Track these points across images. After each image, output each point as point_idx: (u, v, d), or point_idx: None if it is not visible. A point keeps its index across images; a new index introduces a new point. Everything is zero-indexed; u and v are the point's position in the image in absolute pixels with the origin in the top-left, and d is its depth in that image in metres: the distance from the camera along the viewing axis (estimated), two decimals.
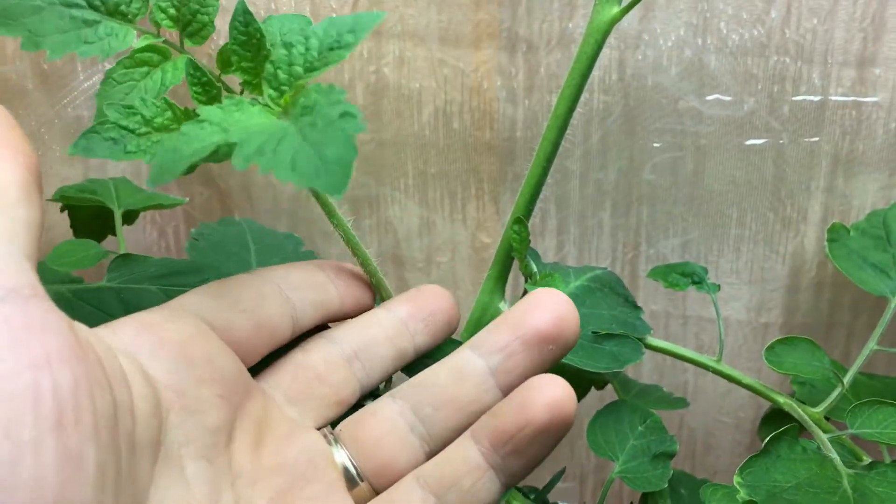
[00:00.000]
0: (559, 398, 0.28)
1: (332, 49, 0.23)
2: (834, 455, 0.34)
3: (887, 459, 0.39)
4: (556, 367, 0.46)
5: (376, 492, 0.30)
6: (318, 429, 0.30)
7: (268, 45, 0.24)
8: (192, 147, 0.21)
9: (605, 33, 0.38)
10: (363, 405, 0.31)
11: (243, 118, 0.22)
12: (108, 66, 0.47)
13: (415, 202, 0.51)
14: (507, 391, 0.30)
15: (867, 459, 0.38)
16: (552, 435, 0.28)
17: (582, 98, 0.38)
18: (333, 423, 0.31)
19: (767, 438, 0.34)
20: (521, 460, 0.28)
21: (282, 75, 0.23)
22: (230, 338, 0.27)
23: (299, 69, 0.23)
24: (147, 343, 0.25)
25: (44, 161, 0.50)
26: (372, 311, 0.33)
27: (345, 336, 0.32)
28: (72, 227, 0.44)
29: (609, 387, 0.47)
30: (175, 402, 0.25)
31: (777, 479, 0.32)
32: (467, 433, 0.29)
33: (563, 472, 0.46)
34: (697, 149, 0.48)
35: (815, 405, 0.40)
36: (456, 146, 0.49)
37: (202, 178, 0.52)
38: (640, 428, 0.38)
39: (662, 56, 0.46)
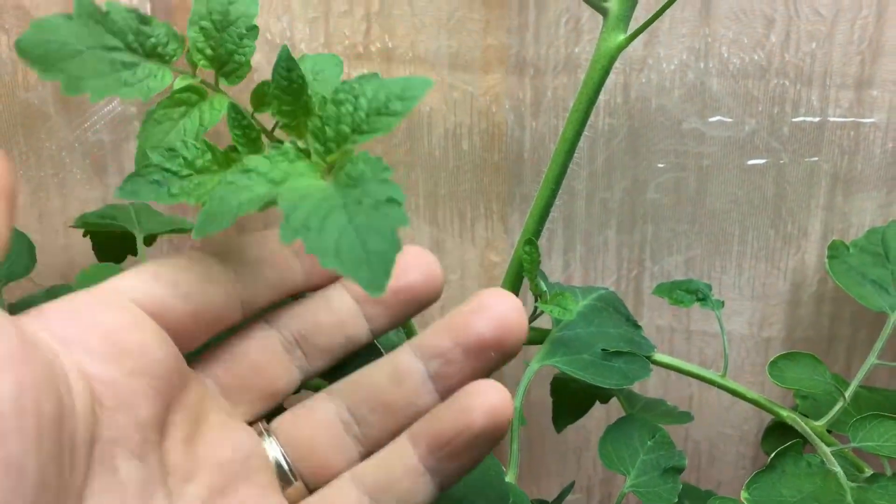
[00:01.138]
0: (497, 404, 0.28)
1: (379, 114, 0.24)
2: (837, 469, 0.35)
3: (888, 472, 0.40)
4: (566, 382, 0.47)
5: (310, 490, 0.29)
6: (253, 423, 0.29)
7: (308, 92, 0.25)
8: (239, 198, 0.22)
9: (612, 60, 0.39)
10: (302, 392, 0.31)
11: (289, 171, 0.23)
12: None
13: (425, 222, 0.52)
14: (445, 395, 0.29)
15: (868, 471, 0.39)
16: (489, 440, 0.28)
17: (588, 120, 0.40)
18: (270, 416, 0.30)
19: (773, 454, 0.35)
20: (457, 464, 0.28)
21: (329, 132, 0.24)
22: (167, 324, 0.26)
23: (346, 129, 0.24)
24: (76, 330, 0.24)
25: (65, 184, 0.51)
26: (326, 289, 0.30)
27: (289, 321, 0.30)
28: (94, 248, 0.45)
29: (613, 400, 0.48)
30: (106, 396, 0.23)
31: (783, 493, 0.33)
32: (405, 435, 0.29)
33: (572, 485, 0.47)
34: (700, 169, 0.49)
35: (817, 418, 0.42)
36: (465, 167, 0.50)
37: None
38: (649, 443, 0.39)
39: (666, 79, 0.48)
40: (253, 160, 0.23)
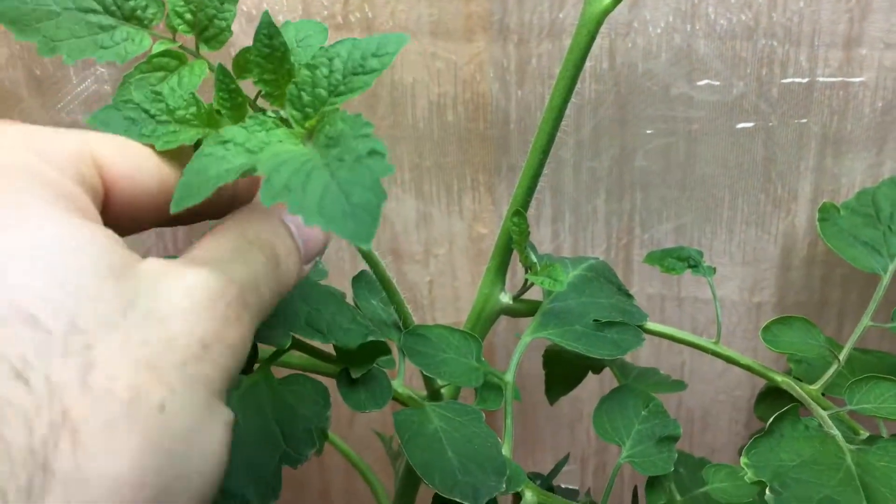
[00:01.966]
0: None
1: (355, 73, 0.23)
2: (836, 432, 0.35)
3: (885, 433, 0.40)
4: (558, 354, 0.47)
5: None
6: None
7: (291, 59, 0.24)
8: (217, 169, 0.21)
9: (598, 24, 0.38)
10: None
11: (267, 139, 0.22)
12: (99, 69, 0.47)
13: (411, 195, 0.51)
14: None
15: (864, 434, 0.39)
16: None
17: (575, 87, 0.39)
18: None
19: (771, 419, 0.35)
20: None
21: (306, 97, 0.23)
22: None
23: (323, 92, 0.23)
24: None
25: None
26: None
27: None
28: None
29: (606, 371, 0.48)
30: None
31: (782, 457, 0.33)
32: None
33: (567, 457, 0.46)
34: (689, 134, 0.49)
35: (811, 382, 0.41)
36: (450, 138, 0.49)
37: None
38: (643, 412, 0.39)
39: (652, 43, 0.47)
40: (230, 131, 0.23)
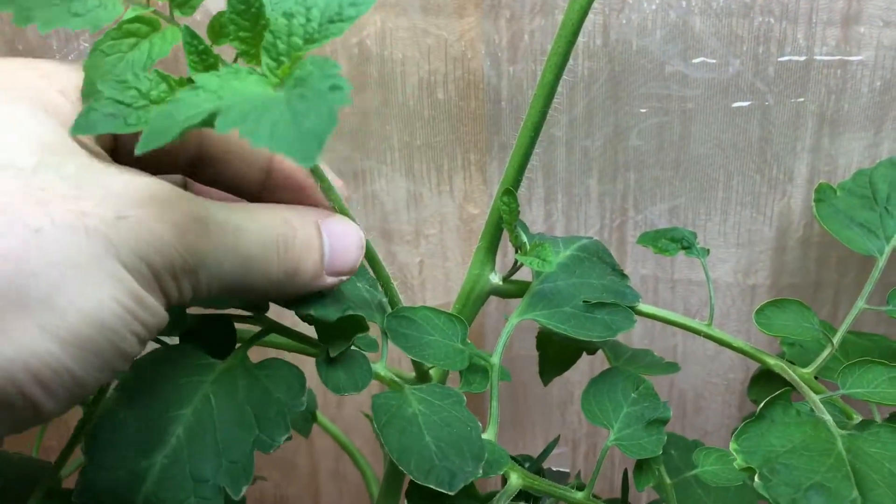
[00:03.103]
0: None
1: (332, 21, 0.23)
2: (827, 417, 0.34)
3: (877, 417, 0.40)
4: (552, 335, 0.46)
5: None
6: None
7: (266, 15, 0.24)
8: (185, 113, 0.21)
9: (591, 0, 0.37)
10: None
11: (239, 87, 0.22)
12: (82, 43, 0.46)
13: (401, 175, 0.50)
14: None
15: (857, 418, 0.38)
16: None
17: (567, 64, 0.38)
18: None
19: (762, 404, 0.35)
20: None
21: (281, 45, 0.23)
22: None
23: (298, 40, 0.23)
24: None
25: None
26: None
27: None
28: None
29: (599, 353, 0.47)
30: None
31: (773, 443, 0.32)
32: None
33: (557, 440, 0.46)
34: (683, 113, 0.48)
35: (804, 365, 0.41)
36: (441, 117, 0.49)
37: None
38: (633, 395, 0.38)
39: (647, 19, 0.46)
40: (202, 77, 0.22)
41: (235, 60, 0.25)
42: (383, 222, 0.52)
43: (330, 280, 0.31)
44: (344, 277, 0.31)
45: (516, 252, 0.40)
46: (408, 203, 0.51)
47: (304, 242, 0.29)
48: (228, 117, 0.20)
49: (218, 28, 0.26)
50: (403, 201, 0.51)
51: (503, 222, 0.39)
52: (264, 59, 0.23)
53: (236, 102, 0.20)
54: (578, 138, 0.49)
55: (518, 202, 0.39)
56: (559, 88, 0.38)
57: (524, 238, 0.39)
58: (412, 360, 0.37)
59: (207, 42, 0.25)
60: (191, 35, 0.24)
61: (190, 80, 0.24)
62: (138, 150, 0.21)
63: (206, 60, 0.24)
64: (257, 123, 0.20)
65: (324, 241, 0.30)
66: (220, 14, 0.26)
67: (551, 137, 0.49)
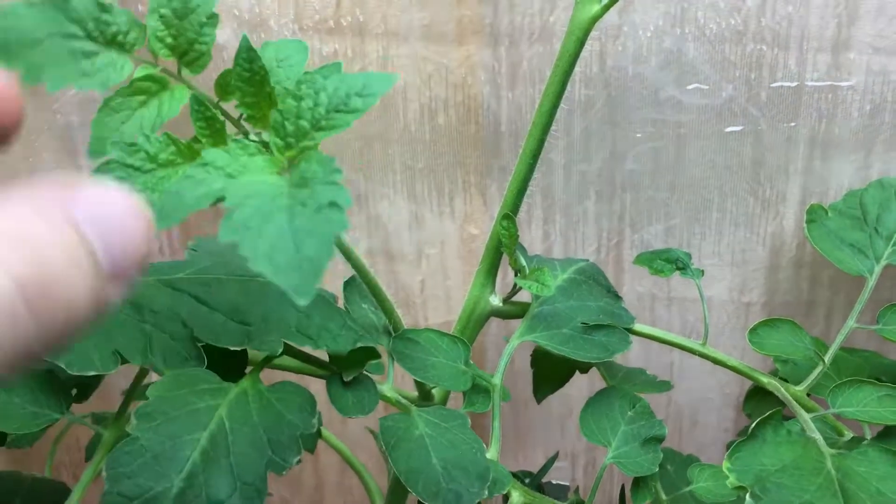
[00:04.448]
0: None
1: (338, 111, 0.24)
2: (817, 436, 0.36)
3: (868, 435, 0.41)
4: (546, 353, 0.47)
5: None
6: None
7: (271, 82, 0.25)
8: (195, 193, 0.22)
9: (587, 31, 0.39)
10: None
11: (248, 165, 0.23)
12: None
13: (403, 197, 0.52)
14: None
15: (848, 434, 0.40)
16: None
17: (564, 92, 0.39)
18: None
19: (754, 423, 0.36)
20: None
21: (289, 127, 0.24)
22: None
23: (306, 124, 0.24)
24: None
25: (35, 167, 0.50)
26: None
27: None
28: None
29: (595, 369, 0.49)
30: None
31: (764, 462, 0.34)
32: None
33: (556, 456, 0.47)
34: (678, 137, 0.49)
35: (797, 382, 0.42)
36: (442, 141, 0.50)
37: None
38: (629, 413, 0.40)
39: (642, 47, 0.47)
40: (211, 153, 0.23)
41: (240, 117, 0.26)
42: (386, 243, 0.53)
43: (114, 290, 0.19)
44: (134, 277, 0.20)
45: (515, 275, 0.41)
46: (410, 224, 0.52)
47: (61, 266, 0.18)
48: (231, 224, 0.20)
49: (225, 86, 0.27)
50: (405, 222, 0.52)
51: (503, 246, 0.40)
52: (272, 137, 0.24)
53: (239, 196, 0.21)
54: (576, 161, 0.50)
55: (517, 227, 0.40)
56: (558, 114, 0.39)
57: (523, 262, 0.41)
58: (415, 379, 0.38)
59: (213, 99, 0.26)
60: (198, 102, 0.25)
61: (197, 140, 0.25)
62: (158, 227, 0.21)
63: (213, 125, 0.25)
64: (257, 238, 0.20)
65: (90, 241, 0.18)
66: (227, 72, 0.27)
67: (550, 161, 0.50)
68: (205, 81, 0.28)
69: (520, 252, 0.41)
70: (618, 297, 0.43)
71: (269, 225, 0.20)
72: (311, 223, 0.20)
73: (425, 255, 0.53)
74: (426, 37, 0.47)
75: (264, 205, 0.21)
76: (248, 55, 0.24)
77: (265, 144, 0.24)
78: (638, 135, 0.49)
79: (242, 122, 0.27)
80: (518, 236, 0.40)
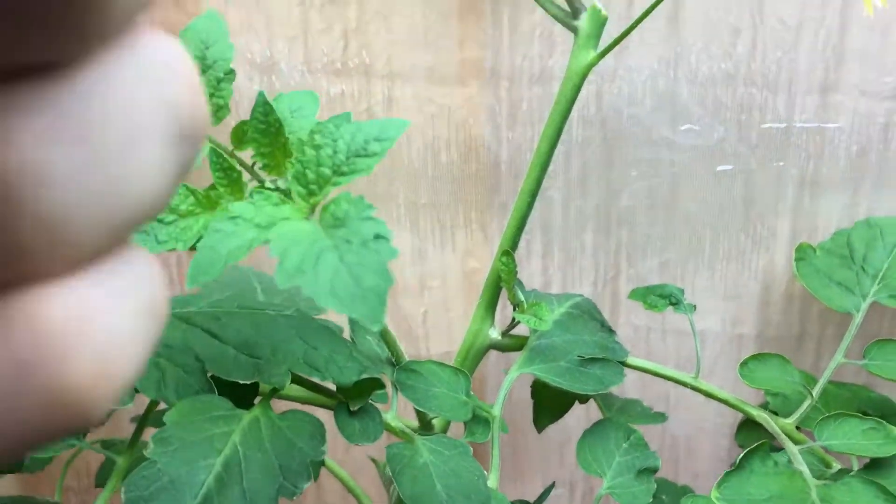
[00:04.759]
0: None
1: (358, 156, 0.25)
2: (803, 468, 0.37)
3: (856, 466, 0.42)
4: (546, 384, 0.49)
5: None
6: None
7: (286, 133, 0.26)
8: (229, 246, 0.23)
9: (583, 77, 0.41)
10: None
11: (274, 214, 0.24)
12: None
13: (407, 231, 0.53)
14: None
15: (836, 466, 0.41)
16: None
17: (561, 134, 0.41)
18: None
19: (742, 454, 0.37)
20: None
21: (310, 175, 0.25)
22: None
23: (327, 171, 0.25)
24: None
25: None
26: None
27: None
28: None
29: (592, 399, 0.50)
30: None
31: (751, 492, 0.35)
32: None
33: (552, 485, 0.48)
34: (672, 175, 0.51)
35: (787, 415, 0.43)
36: (444, 178, 0.52)
37: None
38: (624, 445, 0.41)
39: (637, 89, 0.49)
40: (238, 207, 0.25)
41: (253, 164, 0.28)
42: None
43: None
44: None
45: (514, 309, 0.43)
46: (412, 258, 0.54)
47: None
48: (286, 268, 0.22)
49: (240, 136, 0.28)
50: (409, 256, 0.54)
51: (502, 281, 0.42)
52: (294, 186, 0.25)
53: (284, 244, 0.23)
54: (574, 198, 0.52)
55: (516, 262, 0.42)
56: (556, 151, 0.41)
57: (521, 296, 0.42)
58: (416, 409, 0.39)
59: (228, 148, 0.28)
60: (216, 154, 0.27)
61: (214, 188, 0.27)
62: (189, 285, 0.23)
63: (230, 175, 0.27)
64: (315, 276, 0.22)
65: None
66: (243, 123, 0.28)
67: (548, 198, 0.52)
68: (219, 129, 0.30)
69: (518, 287, 0.43)
70: (612, 332, 0.44)
71: (321, 265, 0.22)
72: (361, 257, 0.22)
73: (427, 288, 0.55)
74: (430, 78, 0.49)
75: (309, 248, 0.22)
76: (264, 109, 0.26)
77: (286, 193, 0.26)
78: (633, 173, 0.51)
79: (257, 170, 0.28)
80: (517, 272, 0.42)
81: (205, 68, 0.27)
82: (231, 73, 0.27)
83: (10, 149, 0.11)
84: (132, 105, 0.12)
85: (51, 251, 0.11)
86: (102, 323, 0.12)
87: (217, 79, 0.27)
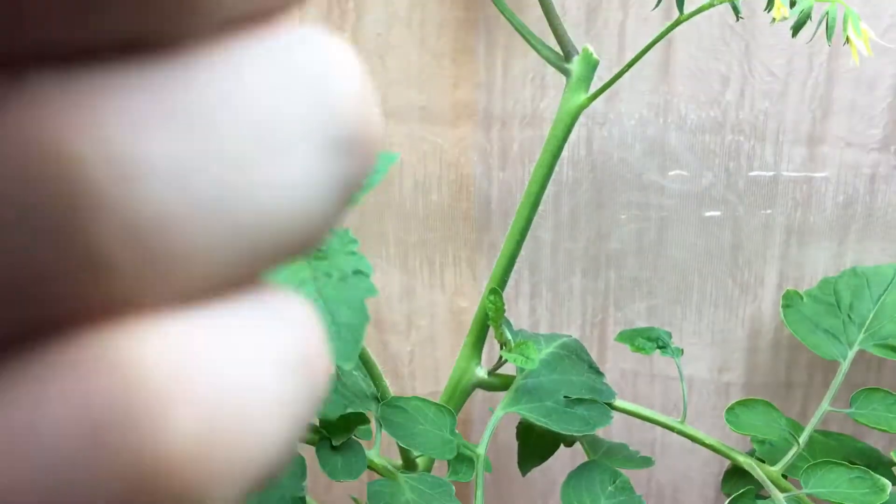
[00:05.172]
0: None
1: None
2: None
3: None
4: (531, 426, 0.49)
5: None
6: None
7: None
8: None
9: (574, 119, 0.41)
10: None
11: None
12: None
13: (396, 269, 0.53)
14: None
15: None
16: None
17: (552, 175, 0.42)
18: None
19: (727, 501, 0.37)
20: None
21: None
22: None
23: None
24: None
25: None
26: None
27: None
28: None
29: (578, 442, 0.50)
30: None
31: None
32: None
33: None
34: (660, 220, 0.51)
35: (774, 462, 0.43)
36: (435, 216, 0.52)
37: None
38: (610, 488, 0.41)
39: (627, 134, 0.50)
40: None
41: None
42: (377, 313, 0.54)
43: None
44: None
45: (501, 348, 0.43)
46: (401, 295, 0.54)
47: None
48: None
49: None
50: (397, 293, 0.54)
51: (489, 320, 0.42)
52: None
53: None
54: (563, 240, 0.52)
55: (504, 301, 0.42)
56: (546, 193, 0.42)
57: (509, 335, 0.42)
58: (399, 447, 0.39)
59: None
60: None
61: None
62: None
63: None
64: None
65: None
66: None
67: (537, 239, 0.52)
68: None
69: (506, 326, 0.43)
70: (599, 373, 0.44)
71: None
72: (339, 292, 0.22)
73: (415, 327, 0.55)
74: (423, 118, 0.50)
75: (288, 279, 0.22)
76: None
77: None
78: (622, 216, 0.51)
79: None
80: (505, 310, 0.42)
81: None
82: None
83: (93, 132, 0.08)
84: (275, 103, 0.09)
85: (144, 272, 0.08)
86: (217, 376, 0.09)
87: None
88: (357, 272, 0.22)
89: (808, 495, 0.40)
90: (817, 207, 0.50)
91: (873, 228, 0.51)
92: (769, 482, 0.41)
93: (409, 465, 0.41)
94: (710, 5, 0.36)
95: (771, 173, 0.50)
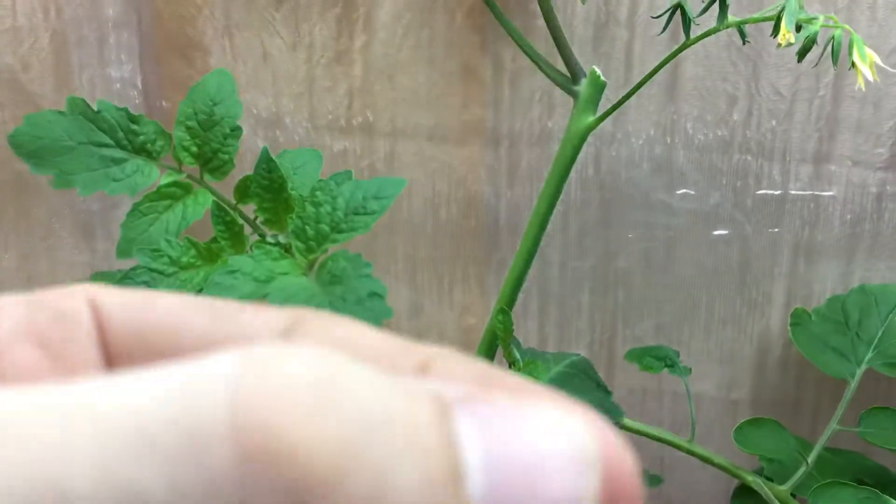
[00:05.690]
0: None
1: (357, 213, 0.26)
2: None
3: None
4: None
5: None
6: None
7: (289, 189, 0.27)
8: (226, 298, 0.23)
9: (582, 140, 0.41)
10: None
11: (273, 269, 0.25)
12: None
13: (405, 286, 0.54)
14: None
15: None
16: None
17: (560, 195, 0.42)
18: None
19: None
20: None
21: (310, 231, 0.26)
22: None
23: (326, 227, 0.26)
24: None
25: (56, 249, 0.52)
26: None
27: None
28: None
29: None
30: None
31: None
32: None
33: None
34: (668, 239, 0.51)
35: (783, 481, 0.43)
36: (443, 233, 0.52)
37: None
38: None
39: (635, 153, 0.50)
40: (237, 260, 0.25)
41: (255, 218, 0.28)
42: (385, 330, 0.55)
43: None
44: None
45: (509, 367, 0.43)
46: (409, 313, 0.54)
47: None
48: None
49: (244, 190, 0.29)
50: (405, 311, 0.54)
51: (498, 339, 0.42)
52: (294, 241, 0.26)
53: (280, 297, 0.23)
54: (571, 258, 0.52)
55: (512, 320, 0.42)
56: (554, 212, 0.42)
57: (517, 354, 0.42)
58: None
59: (231, 202, 0.28)
60: (218, 207, 0.27)
61: (216, 241, 0.27)
62: None
63: (231, 229, 0.27)
64: None
65: (464, 456, 0.11)
66: (247, 178, 0.29)
67: (546, 257, 0.52)
68: (223, 182, 0.31)
69: (514, 345, 0.43)
70: (608, 392, 0.44)
71: None
72: (356, 315, 0.22)
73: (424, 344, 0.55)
74: (431, 137, 0.50)
75: (305, 304, 0.23)
76: (268, 165, 0.27)
77: (286, 247, 0.26)
78: (630, 235, 0.51)
79: (259, 224, 0.29)
80: (513, 330, 0.42)
81: (212, 124, 0.28)
82: (238, 130, 0.28)
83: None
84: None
85: None
86: None
87: (224, 135, 0.28)
88: (372, 294, 0.22)
89: None
90: (825, 226, 0.50)
91: (881, 246, 0.51)
92: (777, 501, 0.41)
93: None
94: (717, 30, 0.36)
95: (778, 192, 0.50)
